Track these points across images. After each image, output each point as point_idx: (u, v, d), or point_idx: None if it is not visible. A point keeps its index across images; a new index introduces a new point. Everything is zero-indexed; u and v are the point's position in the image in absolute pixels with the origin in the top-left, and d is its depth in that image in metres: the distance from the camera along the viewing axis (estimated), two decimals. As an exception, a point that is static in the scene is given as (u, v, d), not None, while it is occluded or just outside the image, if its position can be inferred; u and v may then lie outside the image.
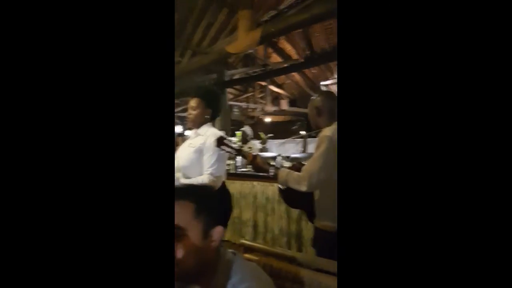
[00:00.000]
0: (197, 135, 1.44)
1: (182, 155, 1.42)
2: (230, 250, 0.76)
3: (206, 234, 0.67)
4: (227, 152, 1.25)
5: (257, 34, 3.23)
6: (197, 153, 1.37)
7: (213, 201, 0.74)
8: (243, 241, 1.10)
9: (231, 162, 3.37)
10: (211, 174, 1.32)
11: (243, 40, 3.51)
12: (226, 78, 5.88)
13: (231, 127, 5.63)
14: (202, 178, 1.33)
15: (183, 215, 0.65)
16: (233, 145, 1.25)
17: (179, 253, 0.63)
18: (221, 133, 1.38)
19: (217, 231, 0.69)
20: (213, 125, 1.51)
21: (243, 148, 1.33)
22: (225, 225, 1.41)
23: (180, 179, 1.36)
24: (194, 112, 1.45)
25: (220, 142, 1.24)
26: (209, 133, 1.40)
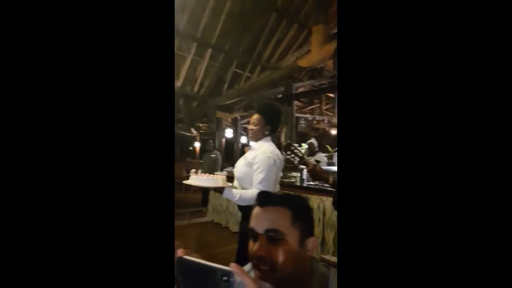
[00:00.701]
0: (252, 149, 1.47)
1: (238, 166, 1.47)
2: (322, 263, 0.76)
3: (302, 242, 0.68)
4: (291, 158, 1.25)
5: (331, 47, 3.22)
6: (247, 166, 1.40)
7: (308, 211, 0.75)
8: (324, 256, 1.07)
9: (297, 174, 3.37)
10: (258, 189, 1.32)
11: (316, 54, 3.54)
12: (294, 91, 5.96)
13: (295, 139, 5.64)
14: (252, 191, 1.34)
15: (282, 220, 0.67)
16: (298, 153, 1.25)
17: (280, 257, 0.64)
18: (271, 150, 1.40)
19: (312, 241, 0.70)
20: (278, 137, 1.51)
21: (305, 157, 1.27)
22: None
23: (233, 189, 1.39)
24: (254, 128, 1.48)
25: (287, 148, 1.26)
26: (261, 150, 1.41)
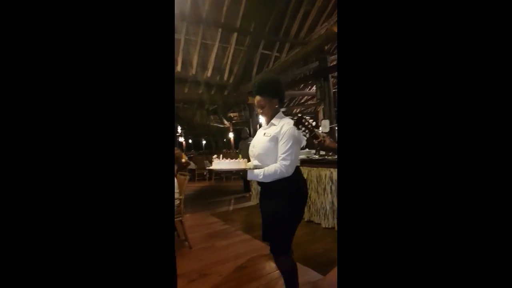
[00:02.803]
0: (271, 125, 1.43)
1: (258, 144, 1.44)
2: None
3: None
4: (303, 133, 1.27)
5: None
6: (273, 141, 1.36)
7: None
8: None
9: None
10: (283, 159, 1.31)
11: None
12: (328, 65, 5.62)
13: (335, 116, 5.34)
14: (274, 166, 1.32)
15: None
16: (309, 127, 1.26)
17: None
18: (291, 121, 1.37)
19: None
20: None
21: (315, 130, 1.25)
22: (304, 207, 1.39)
23: (255, 170, 1.38)
24: (261, 110, 1.45)
25: (298, 122, 1.26)
26: (283, 122, 1.39)
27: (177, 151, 1.38)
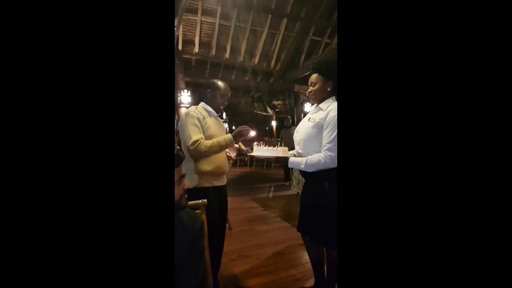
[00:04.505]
0: (319, 109, 1.32)
1: (301, 129, 1.35)
2: None
3: None
4: None
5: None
6: (316, 128, 1.26)
7: None
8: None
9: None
10: (328, 149, 1.20)
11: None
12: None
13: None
14: (319, 155, 1.23)
15: None
16: None
17: None
18: None
19: None
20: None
21: None
22: None
23: (297, 157, 1.31)
24: (313, 88, 1.35)
25: None
26: (331, 107, 1.26)
27: (245, 128, 1.39)
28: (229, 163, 1.59)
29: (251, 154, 1.42)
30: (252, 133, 1.42)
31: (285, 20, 5.41)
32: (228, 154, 1.59)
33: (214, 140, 1.36)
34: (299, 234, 1.48)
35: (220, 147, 1.37)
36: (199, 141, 1.33)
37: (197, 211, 1.05)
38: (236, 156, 1.64)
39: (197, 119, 1.39)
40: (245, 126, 1.41)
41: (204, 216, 1.13)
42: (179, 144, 1.51)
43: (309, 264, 1.53)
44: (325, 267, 1.45)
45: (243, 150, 1.55)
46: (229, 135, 1.39)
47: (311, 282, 1.61)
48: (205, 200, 1.17)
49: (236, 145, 1.53)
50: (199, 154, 1.34)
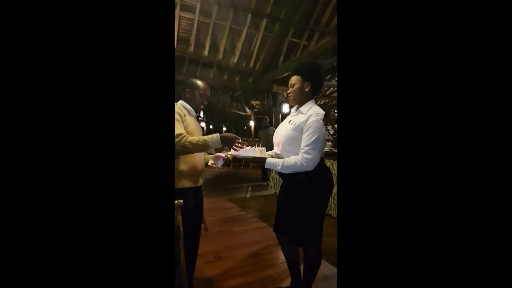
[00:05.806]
0: (299, 113, 1.33)
1: (281, 131, 1.36)
2: None
3: None
4: (328, 131, 1.14)
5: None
6: (296, 131, 1.27)
7: None
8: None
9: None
10: (305, 152, 1.22)
11: None
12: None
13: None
14: (295, 158, 1.24)
15: None
16: (334, 122, 1.15)
17: None
18: (323, 112, 1.25)
19: None
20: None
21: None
22: (327, 200, 1.32)
23: (274, 158, 1.31)
24: (292, 89, 1.36)
25: (327, 115, 1.16)
26: (311, 112, 1.27)
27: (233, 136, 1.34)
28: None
29: (229, 153, 1.40)
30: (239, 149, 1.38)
31: (264, 21, 5.42)
32: (212, 163, 1.54)
33: (201, 137, 1.30)
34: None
35: (205, 146, 1.29)
36: (182, 135, 1.25)
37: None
38: (223, 165, 1.59)
39: (178, 115, 1.33)
40: (236, 136, 1.36)
41: (179, 218, 1.08)
42: None
43: (286, 264, 1.53)
44: (301, 267, 1.46)
45: (226, 158, 1.50)
46: (217, 135, 1.32)
47: (288, 282, 1.61)
48: (181, 201, 1.12)
49: (223, 154, 1.49)
50: (182, 149, 1.25)
